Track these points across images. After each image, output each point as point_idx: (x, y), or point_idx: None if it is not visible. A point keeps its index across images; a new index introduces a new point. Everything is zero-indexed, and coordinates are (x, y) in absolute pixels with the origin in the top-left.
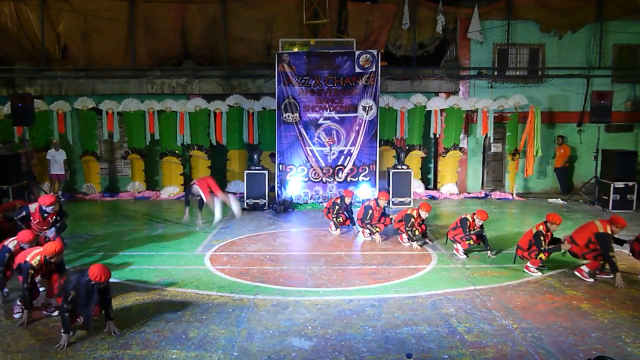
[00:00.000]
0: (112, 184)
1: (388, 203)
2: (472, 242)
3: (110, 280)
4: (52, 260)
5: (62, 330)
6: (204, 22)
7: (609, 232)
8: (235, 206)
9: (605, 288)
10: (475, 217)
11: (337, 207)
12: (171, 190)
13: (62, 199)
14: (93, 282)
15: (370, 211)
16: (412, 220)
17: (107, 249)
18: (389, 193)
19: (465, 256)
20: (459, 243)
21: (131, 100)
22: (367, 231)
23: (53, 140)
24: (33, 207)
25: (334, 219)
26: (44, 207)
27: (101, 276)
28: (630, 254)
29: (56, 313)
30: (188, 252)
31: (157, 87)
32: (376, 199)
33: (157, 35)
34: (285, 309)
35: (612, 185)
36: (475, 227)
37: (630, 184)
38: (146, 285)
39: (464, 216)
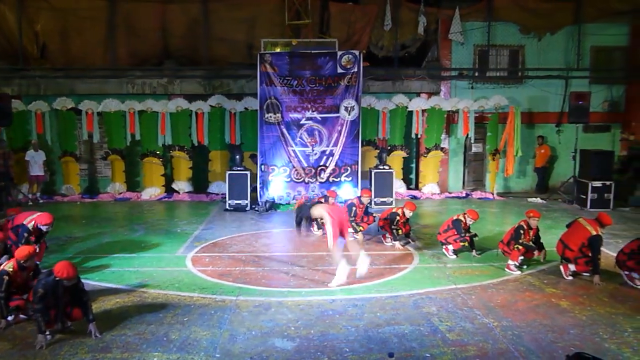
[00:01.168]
0: (92, 185)
1: (370, 203)
2: (466, 242)
3: (82, 280)
4: (25, 265)
5: (38, 332)
6: (185, 21)
7: (600, 233)
8: (363, 263)
9: (584, 285)
10: (466, 216)
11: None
12: (152, 192)
13: (41, 201)
14: (57, 279)
15: (354, 208)
16: (397, 218)
17: (87, 251)
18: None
19: (455, 256)
20: (451, 244)
21: (111, 101)
22: (350, 231)
23: (32, 141)
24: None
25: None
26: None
27: (64, 272)
28: (616, 265)
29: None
30: (169, 253)
31: (137, 87)
32: (359, 197)
33: (137, 34)
34: (267, 309)
35: (589, 184)
36: (468, 227)
37: (608, 183)
38: (127, 288)
39: (455, 218)
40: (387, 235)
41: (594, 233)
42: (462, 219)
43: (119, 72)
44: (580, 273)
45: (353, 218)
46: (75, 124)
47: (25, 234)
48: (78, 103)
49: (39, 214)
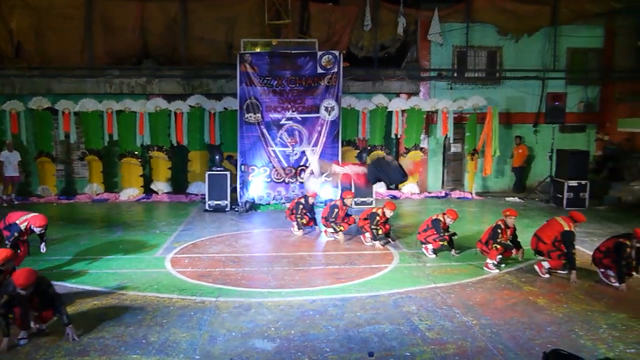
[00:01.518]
0: (68, 186)
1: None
2: (445, 242)
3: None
4: (2, 269)
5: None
6: (164, 20)
7: (573, 230)
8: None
9: (560, 283)
10: (445, 216)
11: (301, 206)
12: (130, 192)
13: (16, 202)
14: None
15: (336, 210)
16: (377, 218)
17: (64, 253)
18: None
19: (434, 255)
20: (431, 243)
21: (88, 100)
22: (330, 231)
23: (6, 141)
24: None
25: (298, 220)
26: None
27: (18, 280)
28: (593, 263)
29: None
30: (148, 255)
31: (115, 87)
32: (342, 198)
33: (115, 33)
34: (247, 310)
35: (566, 183)
36: (447, 227)
37: (583, 182)
38: (105, 290)
39: (434, 217)
40: (368, 234)
41: (567, 228)
42: (442, 218)
43: (97, 72)
44: (555, 270)
45: (334, 219)
46: (51, 124)
47: (16, 234)
48: (54, 103)
49: (33, 214)
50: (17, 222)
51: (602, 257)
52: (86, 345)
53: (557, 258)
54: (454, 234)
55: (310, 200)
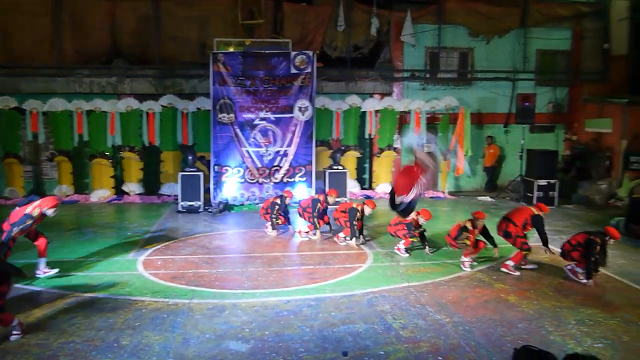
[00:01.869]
0: (37, 187)
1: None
2: (415, 239)
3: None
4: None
5: None
6: (136, 19)
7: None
8: None
9: (530, 281)
10: (419, 216)
11: (277, 206)
12: (101, 194)
13: None
14: None
15: (318, 205)
16: (357, 214)
17: (32, 256)
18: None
19: (407, 254)
20: (402, 240)
21: (57, 100)
22: (304, 231)
23: None
24: None
25: (273, 220)
26: None
27: None
28: (561, 255)
29: None
30: (120, 257)
31: (85, 86)
32: (325, 195)
33: (85, 31)
34: (221, 312)
35: (535, 183)
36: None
37: (552, 181)
38: (75, 293)
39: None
40: (341, 234)
41: (537, 213)
42: (415, 217)
43: (66, 71)
44: (520, 264)
45: (316, 213)
46: (19, 124)
47: (29, 221)
48: (22, 102)
49: (40, 199)
50: (27, 211)
51: (571, 250)
52: (56, 350)
53: (520, 245)
54: (424, 230)
55: (287, 201)
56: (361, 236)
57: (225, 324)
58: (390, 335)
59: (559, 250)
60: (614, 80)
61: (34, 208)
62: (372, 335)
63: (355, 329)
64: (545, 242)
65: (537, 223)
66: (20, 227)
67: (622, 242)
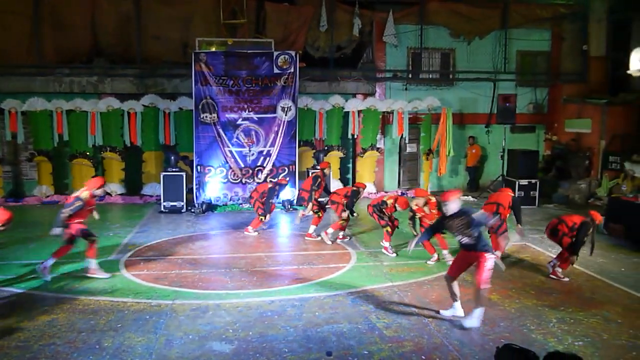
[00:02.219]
0: (16, 188)
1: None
2: (389, 229)
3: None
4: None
5: None
6: (117, 17)
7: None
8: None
9: (512, 280)
10: (396, 204)
11: (274, 192)
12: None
13: None
14: None
15: (319, 180)
16: (387, 206)
17: (12, 257)
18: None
19: (395, 254)
20: (378, 222)
21: (37, 99)
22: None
23: None
24: None
25: (266, 209)
26: None
27: None
28: (550, 235)
29: None
30: (102, 258)
31: (65, 86)
32: (322, 169)
33: (65, 30)
34: (205, 313)
35: (517, 182)
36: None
37: (533, 181)
38: (55, 295)
39: (384, 199)
40: (330, 229)
41: (515, 195)
42: (389, 203)
43: (45, 70)
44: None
45: (317, 188)
46: None
47: (78, 202)
48: (0, 102)
49: (86, 184)
50: (76, 194)
51: (565, 234)
52: (37, 352)
53: (498, 234)
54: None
55: (281, 187)
56: (345, 237)
57: (209, 325)
58: (374, 335)
59: (541, 251)
60: (593, 81)
61: (81, 192)
62: (356, 335)
63: (339, 328)
64: (519, 220)
65: (516, 203)
66: (70, 208)
67: (602, 241)
